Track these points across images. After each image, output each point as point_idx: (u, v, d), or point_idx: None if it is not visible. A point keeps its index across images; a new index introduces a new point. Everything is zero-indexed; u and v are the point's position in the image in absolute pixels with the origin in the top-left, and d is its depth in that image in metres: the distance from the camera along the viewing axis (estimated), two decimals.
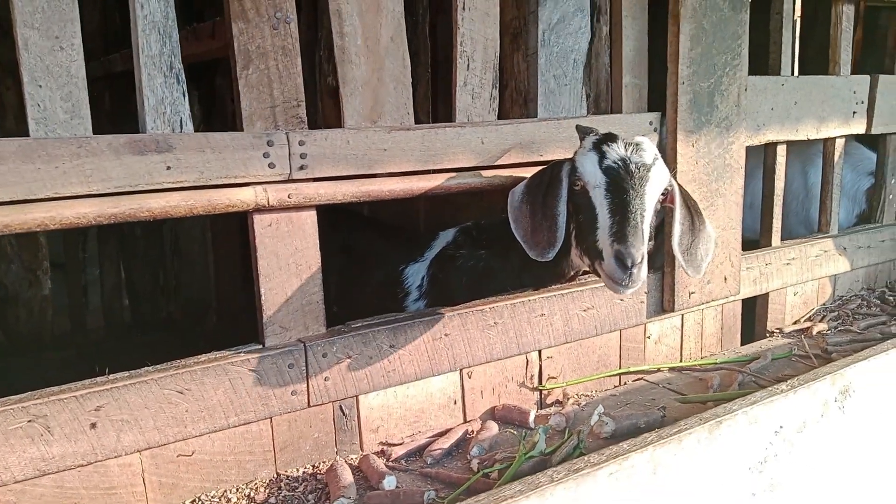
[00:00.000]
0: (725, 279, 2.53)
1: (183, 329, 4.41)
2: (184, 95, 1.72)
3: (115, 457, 1.61)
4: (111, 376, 1.64)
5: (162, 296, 4.56)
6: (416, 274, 2.54)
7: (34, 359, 3.99)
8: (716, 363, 2.49)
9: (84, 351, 4.16)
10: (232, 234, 4.15)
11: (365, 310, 2.05)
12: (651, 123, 2.41)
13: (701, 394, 2.23)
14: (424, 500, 1.67)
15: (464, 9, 2.08)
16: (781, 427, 1.63)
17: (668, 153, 2.36)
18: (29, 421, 1.51)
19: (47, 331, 4.30)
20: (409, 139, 1.97)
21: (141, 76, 1.68)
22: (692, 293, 2.44)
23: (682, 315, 2.52)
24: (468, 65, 2.11)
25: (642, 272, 1.73)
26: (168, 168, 1.65)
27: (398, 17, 1.99)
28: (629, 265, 1.70)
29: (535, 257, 1.91)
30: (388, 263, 2.63)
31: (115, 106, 4.33)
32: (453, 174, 2.06)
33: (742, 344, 2.73)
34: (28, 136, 1.53)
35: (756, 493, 1.58)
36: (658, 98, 2.49)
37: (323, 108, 3.70)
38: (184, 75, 1.72)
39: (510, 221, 1.96)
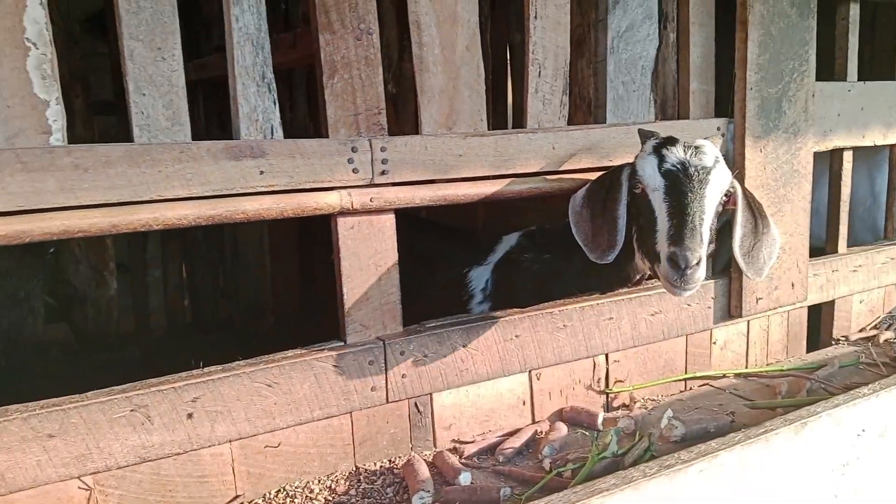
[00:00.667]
0: (793, 285, 2.52)
1: (241, 329, 4.53)
2: (274, 104, 1.81)
3: (209, 446, 1.70)
4: (206, 369, 1.73)
5: (221, 297, 4.69)
6: (479, 277, 2.59)
7: (102, 357, 4.15)
8: (782, 370, 2.48)
9: (148, 350, 4.31)
10: (289, 238, 4.27)
11: (428, 311, 2.09)
12: (719, 129, 2.42)
13: (769, 400, 2.23)
14: (501, 497, 1.71)
15: (536, 18, 2.13)
16: (864, 430, 1.63)
17: (736, 158, 2.37)
18: (132, 410, 1.60)
19: (113, 330, 4.47)
20: (482, 145, 2.03)
21: (235, 85, 1.76)
22: (759, 299, 2.44)
23: (749, 321, 2.52)
24: (539, 72, 2.15)
25: (698, 274, 1.73)
26: (261, 172, 1.74)
27: (473, 27, 2.05)
28: (683, 266, 1.71)
29: (595, 260, 1.94)
30: (452, 266, 2.68)
31: None
32: (524, 178, 2.10)
33: (807, 352, 2.71)
34: (129, 142, 1.63)
35: (838, 494, 1.59)
36: (724, 104, 2.50)
37: None
38: (274, 84, 1.81)
39: (571, 225, 2.00)
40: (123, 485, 1.63)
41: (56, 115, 1.58)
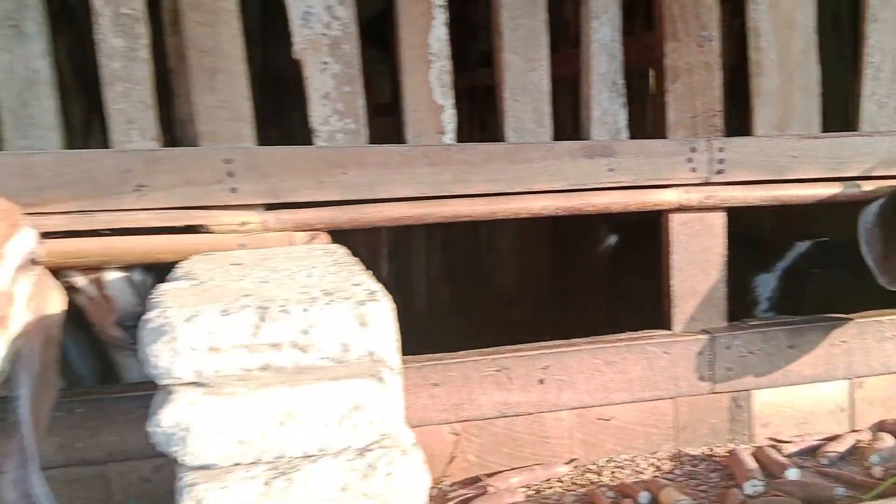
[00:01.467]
0: None
1: (491, 317, 4.86)
2: (622, 107, 1.98)
3: (554, 411, 1.91)
4: (553, 342, 1.95)
5: (476, 285, 5.08)
6: (765, 284, 2.55)
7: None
8: None
9: (412, 327, 4.79)
10: (537, 237, 4.51)
11: None
12: None
13: None
14: (835, 495, 1.73)
15: (874, 21, 2.09)
16: None
17: None
18: (497, 370, 1.87)
19: None
20: (816, 147, 2.03)
21: (590, 91, 1.96)
22: None
23: None
24: (875, 75, 2.10)
25: None
26: (610, 170, 1.92)
27: (809, 31, 2.06)
28: None
29: (885, 285, 1.85)
30: (735, 271, 2.66)
31: None
32: (856, 182, 2.07)
33: None
34: (500, 142, 1.89)
35: None
36: None
37: None
38: (624, 90, 1.98)
39: (860, 241, 1.92)
40: (483, 435, 1.90)
41: (450, 119, 1.88)
